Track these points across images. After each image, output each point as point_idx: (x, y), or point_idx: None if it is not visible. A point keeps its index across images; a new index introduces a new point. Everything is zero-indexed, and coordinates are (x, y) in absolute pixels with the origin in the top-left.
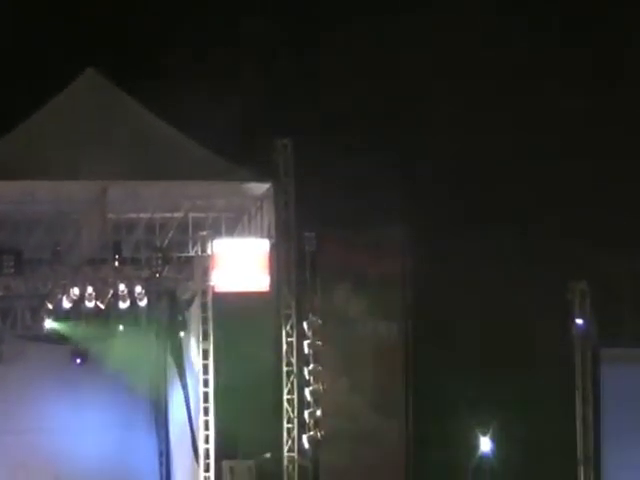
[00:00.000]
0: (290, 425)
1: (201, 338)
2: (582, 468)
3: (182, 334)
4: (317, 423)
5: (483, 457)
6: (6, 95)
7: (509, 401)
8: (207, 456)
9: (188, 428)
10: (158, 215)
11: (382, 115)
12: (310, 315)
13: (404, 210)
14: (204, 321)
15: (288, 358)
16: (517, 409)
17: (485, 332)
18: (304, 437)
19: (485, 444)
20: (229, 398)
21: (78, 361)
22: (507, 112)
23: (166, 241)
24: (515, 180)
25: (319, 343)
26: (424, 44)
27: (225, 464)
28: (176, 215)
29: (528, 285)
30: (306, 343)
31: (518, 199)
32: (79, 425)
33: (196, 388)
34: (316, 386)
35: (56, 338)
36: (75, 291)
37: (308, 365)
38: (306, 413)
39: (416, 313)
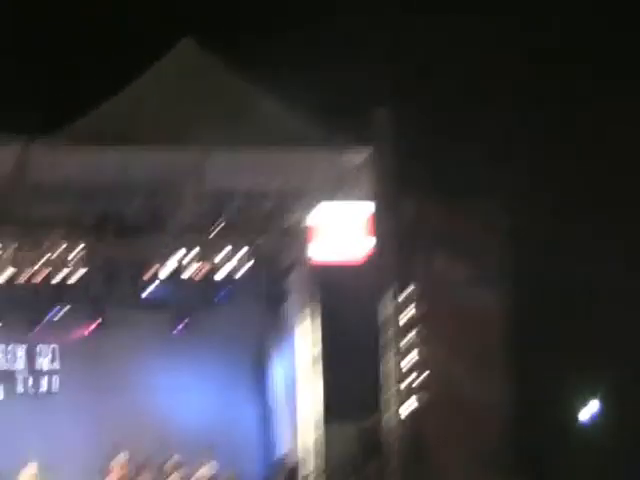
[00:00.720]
0: (394, 389)
1: (302, 305)
2: None
3: (282, 302)
4: (420, 389)
5: (590, 420)
6: (102, 63)
7: (619, 364)
8: (310, 422)
9: (291, 394)
10: (257, 183)
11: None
12: (410, 283)
13: (504, 177)
14: (304, 289)
15: (388, 325)
16: (627, 372)
17: (590, 300)
18: (407, 403)
19: (592, 407)
20: (332, 364)
21: (179, 328)
22: None
23: (265, 210)
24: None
25: (419, 310)
26: None
27: (328, 429)
28: (275, 184)
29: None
30: (407, 310)
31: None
32: (181, 391)
33: (298, 355)
34: (419, 351)
35: (158, 304)
36: (176, 257)
37: (410, 332)
38: (409, 379)
39: (517, 280)
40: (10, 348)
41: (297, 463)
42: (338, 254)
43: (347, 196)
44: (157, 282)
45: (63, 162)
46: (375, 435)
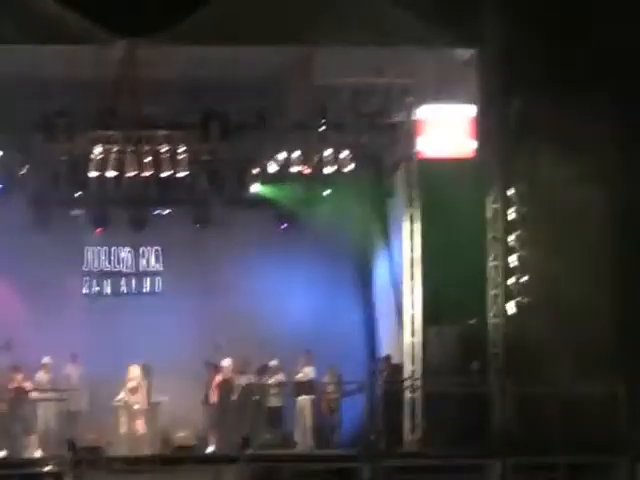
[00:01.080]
0: (495, 291)
1: (407, 204)
2: None
3: (388, 199)
4: (522, 290)
5: None
6: None
7: None
8: (413, 321)
9: (393, 293)
10: (364, 80)
11: None
12: (516, 181)
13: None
14: (409, 186)
15: (494, 224)
16: None
17: None
18: (509, 303)
19: None
20: (435, 263)
21: (284, 226)
22: None
23: (372, 106)
24: None
25: (525, 209)
26: None
27: (431, 329)
28: (381, 81)
29: None
30: (512, 209)
31: None
32: (284, 288)
33: (401, 253)
34: (522, 252)
35: (262, 203)
36: (281, 156)
37: (514, 232)
38: (511, 280)
39: (627, 179)
40: (114, 250)
41: (400, 364)
42: (444, 151)
43: (453, 95)
44: (262, 181)
45: (168, 61)
46: (478, 336)
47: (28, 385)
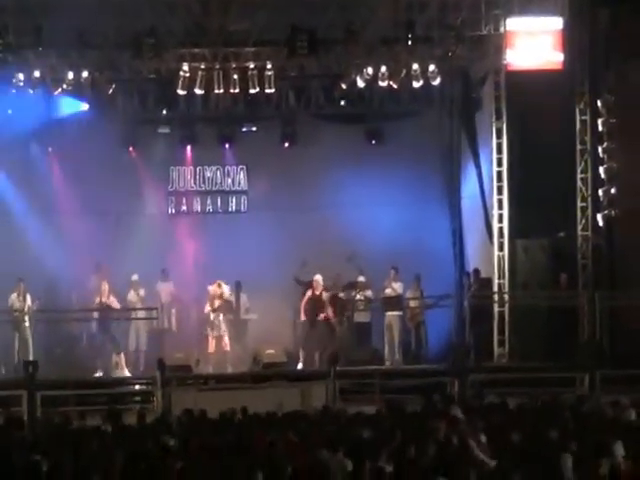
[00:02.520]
0: (584, 204)
1: (494, 117)
2: None
3: (475, 112)
4: (612, 201)
5: None
6: None
7: None
8: (501, 235)
9: (481, 207)
10: None
11: None
12: (604, 93)
13: None
14: (497, 99)
15: (582, 136)
16: None
17: None
18: (598, 215)
19: None
20: (522, 176)
21: (373, 141)
22: None
23: (459, 19)
24: None
25: (613, 121)
26: None
27: (519, 242)
28: None
29: None
30: (600, 121)
31: None
32: (373, 202)
33: (489, 167)
34: (610, 164)
35: (350, 118)
36: (369, 70)
37: (602, 143)
38: (600, 191)
39: None
40: (200, 169)
41: (489, 277)
42: (532, 64)
43: (540, 7)
44: (350, 95)
45: None
46: (566, 248)
47: (114, 301)
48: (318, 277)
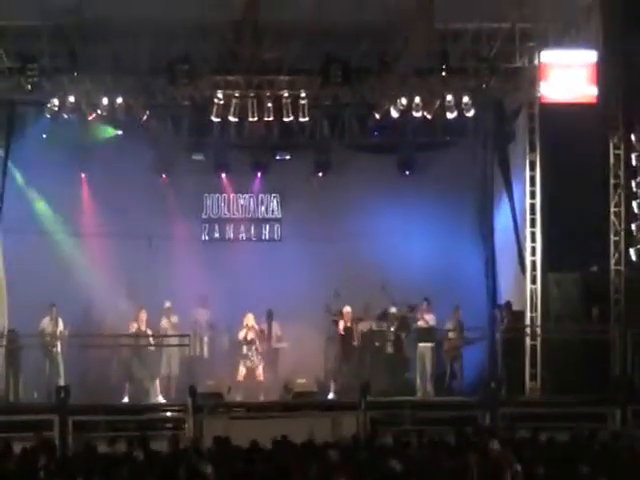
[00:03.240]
0: (617, 238)
1: (528, 149)
2: None
3: (508, 145)
4: None
5: None
6: None
7: None
8: (533, 268)
9: (514, 239)
10: (485, 25)
11: None
12: (638, 127)
13: None
14: (531, 132)
15: (615, 170)
16: None
17: None
18: (631, 250)
19: None
20: (555, 210)
21: (406, 172)
22: None
23: (493, 51)
24: None
25: None
26: None
27: (551, 276)
28: (503, 25)
29: None
30: (634, 155)
31: None
32: (405, 233)
33: (522, 199)
34: None
35: (383, 148)
36: (402, 101)
37: (636, 177)
38: (633, 225)
39: None
40: (234, 196)
41: (521, 310)
42: (565, 97)
43: (574, 40)
44: (383, 126)
45: (290, 5)
46: (599, 282)
47: (148, 329)
48: (348, 309)
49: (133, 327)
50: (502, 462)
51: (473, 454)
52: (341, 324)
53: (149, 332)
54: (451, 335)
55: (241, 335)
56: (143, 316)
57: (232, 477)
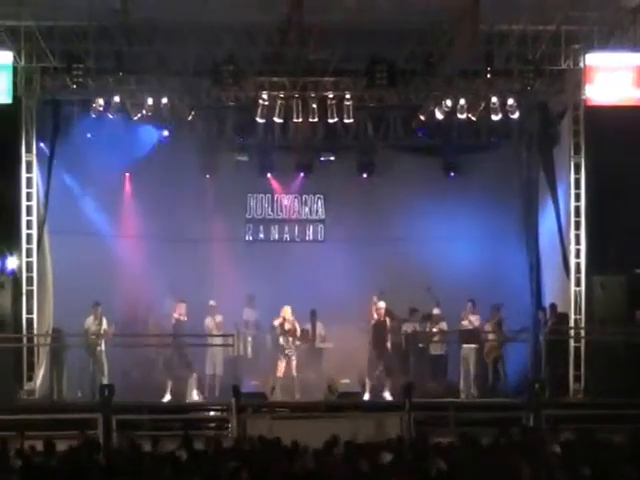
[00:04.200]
0: None
1: (573, 152)
2: None
3: (553, 147)
4: None
5: None
6: None
7: None
8: (578, 270)
9: (558, 242)
10: (530, 27)
11: None
12: None
13: None
14: (576, 134)
15: None
16: None
17: None
18: None
19: None
20: (600, 212)
21: (450, 174)
22: None
23: (538, 53)
24: None
25: None
26: None
27: (596, 278)
28: (549, 27)
29: None
30: None
31: None
32: (450, 236)
33: (567, 202)
34: None
35: (428, 150)
36: (447, 103)
37: None
38: None
39: None
40: (278, 197)
41: (565, 313)
42: (611, 99)
43: (620, 42)
44: (429, 127)
45: (335, 6)
46: None
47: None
48: (382, 304)
49: (172, 319)
50: (552, 464)
51: (522, 455)
52: (373, 320)
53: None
54: (490, 337)
55: (276, 322)
56: (181, 307)
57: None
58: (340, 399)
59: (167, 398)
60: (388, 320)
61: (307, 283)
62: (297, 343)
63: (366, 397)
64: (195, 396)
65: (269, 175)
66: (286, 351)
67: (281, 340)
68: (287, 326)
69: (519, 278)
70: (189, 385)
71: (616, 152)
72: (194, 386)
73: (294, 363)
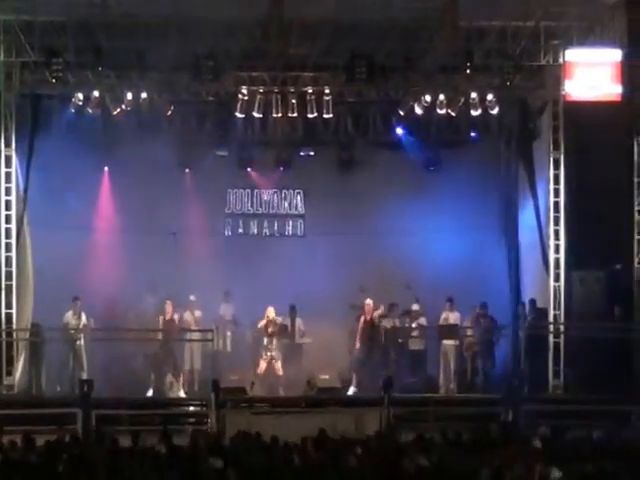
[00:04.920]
0: None
1: (552, 147)
2: None
3: (533, 142)
4: None
5: None
6: None
7: None
8: (557, 266)
9: (538, 237)
10: (510, 23)
11: None
12: None
13: None
14: (555, 130)
15: (639, 169)
16: None
17: None
18: None
19: None
20: (579, 208)
21: (430, 169)
22: None
23: (518, 49)
24: None
25: None
26: None
27: (575, 274)
28: (528, 24)
29: None
30: None
31: None
32: (429, 229)
33: (546, 197)
34: None
35: (407, 145)
36: (427, 98)
37: None
38: None
39: None
40: (257, 192)
41: (545, 308)
42: (590, 95)
43: (599, 38)
44: (408, 123)
45: (315, 2)
46: (622, 281)
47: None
48: (369, 301)
49: (160, 320)
50: (531, 460)
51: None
52: (362, 318)
53: (176, 321)
54: (469, 332)
55: (261, 324)
56: (169, 308)
57: (253, 472)
58: (319, 394)
59: (150, 393)
60: (377, 316)
61: (287, 278)
62: (279, 344)
63: (351, 392)
64: (181, 393)
65: (249, 170)
66: (271, 353)
67: (265, 341)
68: (270, 329)
69: (498, 273)
70: (176, 382)
71: (595, 148)
72: (181, 383)
73: (279, 363)
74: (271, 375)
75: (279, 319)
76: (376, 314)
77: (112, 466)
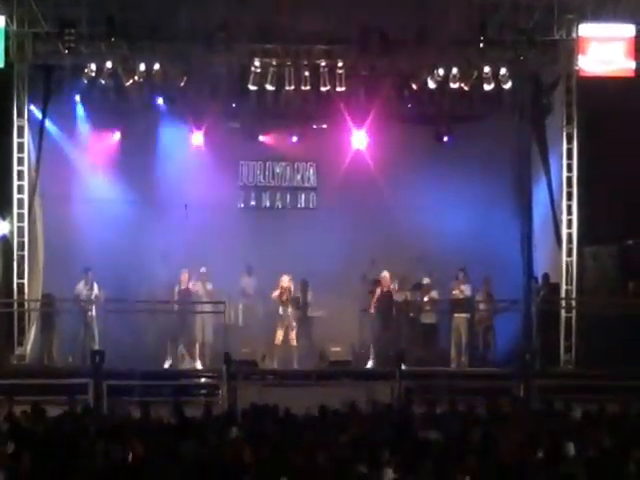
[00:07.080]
0: None
1: (565, 122)
2: None
3: (546, 117)
4: None
5: None
6: None
7: None
8: (569, 241)
9: (551, 212)
10: None
11: None
12: None
13: None
14: (568, 105)
15: None
16: None
17: None
18: None
19: None
20: (592, 183)
21: (445, 139)
22: None
23: (531, 23)
24: None
25: None
26: None
27: (587, 249)
28: None
29: None
30: None
31: None
32: (442, 204)
33: (559, 172)
34: None
35: (421, 118)
36: (439, 72)
37: None
38: None
39: None
40: (269, 164)
41: (557, 283)
42: (603, 70)
43: (613, 13)
44: (421, 97)
45: None
46: (636, 256)
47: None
48: (385, 274)
49: (176, 289)
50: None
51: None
52: (378, 290)
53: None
54: (481, 306)
55: (275, 294)
56: (185, 277)
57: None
58: (331, 367)
59: (167, 365)
60: (394, 289)
61: (299, 251)
62: (295, 314)
63: (369, 365)
64: (198, 364)
65: (261, 142)
66: (287, 321)
67: (280, 310)
68: (284, 297)
69: (511, 247)
70: (185, 354)
71: (608, 123)
72: (196, 354)
73: (294, 332)
74: (286, 346)
75: (291, 286)
76: (392, 287)
77: (123, 437)
